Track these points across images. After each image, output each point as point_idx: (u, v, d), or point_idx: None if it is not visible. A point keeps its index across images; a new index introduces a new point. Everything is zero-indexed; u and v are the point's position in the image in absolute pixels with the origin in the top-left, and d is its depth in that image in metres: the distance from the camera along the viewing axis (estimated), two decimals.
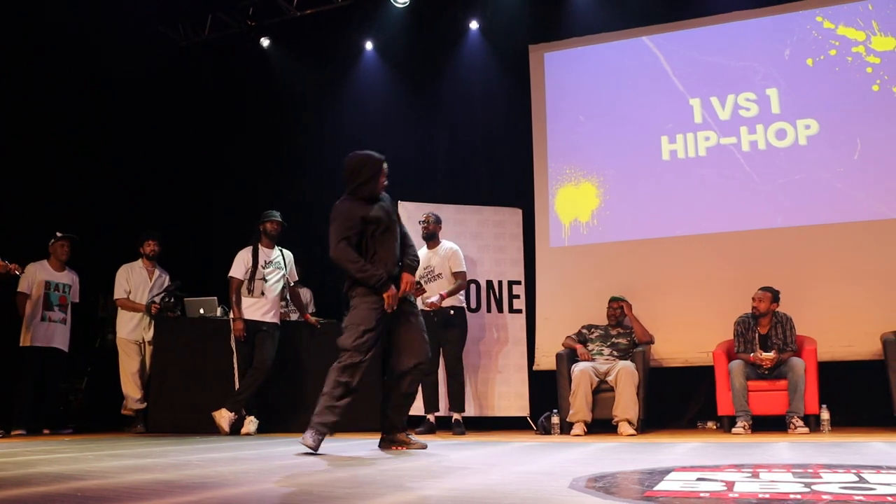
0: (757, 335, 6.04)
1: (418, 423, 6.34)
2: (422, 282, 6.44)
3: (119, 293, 6.94)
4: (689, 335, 6.75)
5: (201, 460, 3.45)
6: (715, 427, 6.39)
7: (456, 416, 6.32)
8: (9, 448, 4.43)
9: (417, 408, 6.49)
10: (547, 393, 6.59)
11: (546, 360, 7.00)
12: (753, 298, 6.08)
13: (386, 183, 4.37)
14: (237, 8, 8.51)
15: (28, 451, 4.07)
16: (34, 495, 2.17)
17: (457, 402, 6.35)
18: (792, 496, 2.08)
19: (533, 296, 7.35)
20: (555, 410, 6.19)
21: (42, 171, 7.25)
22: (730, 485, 2.34)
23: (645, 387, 6.05)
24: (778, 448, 4.09)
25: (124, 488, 2.33)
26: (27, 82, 7.22)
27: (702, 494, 2.17)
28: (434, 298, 6.24)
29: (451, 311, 6.33)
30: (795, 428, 5.56)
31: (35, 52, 7.18)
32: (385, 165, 4.34)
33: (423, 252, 6.59)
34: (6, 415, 6.05)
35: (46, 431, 6.45)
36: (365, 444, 4.67)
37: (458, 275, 6.43)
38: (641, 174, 7.32)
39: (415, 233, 6.97)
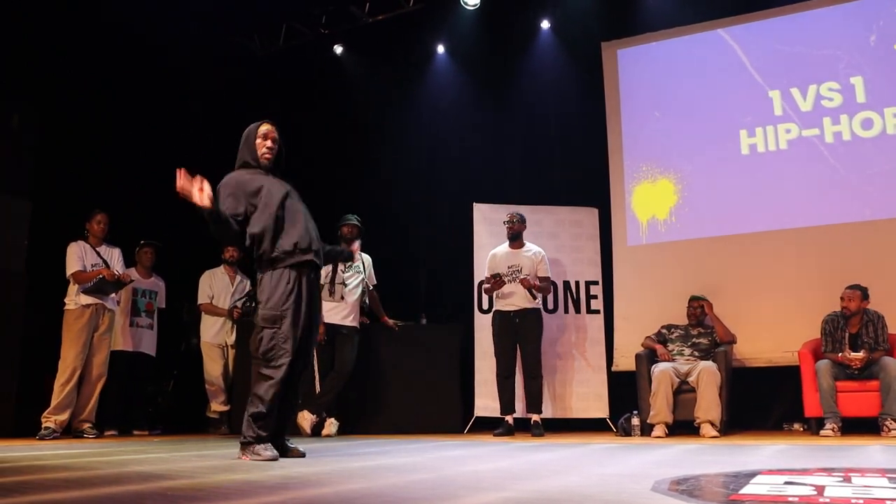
0: (847, 335, 5.82)
1: (496, 425, 6.33)
2: (505, 279, 6.43)
3: (202, 298, 7.17)
4: (772, 334, 6.55)
5: (284, 461, 3.52)
6: (802, 429, 6.20)
7: (534, 417, 6.27)
8: (102, 448, 4.60)
9: (495, 409, 6.49)
10: (626, 394, 6.49)
11: (625, 361, 6.91)
12: (842, 298, 5.86)
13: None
14: (311, 17, 8.65)
15: (119, 451, 4.22)
16: (127, 493, 2.25)
17: (535, 403, 6.32)
18: (888, 502, 1.99)
19: (611, 296, 7.27)
20: (635, 412, 6.10)
21: (128, 180, 7.52)
22: (820, 489, 2.26)
23: (727, 387, 5.90)
24: (870, 451, 3.94)
25: (211, 488, 2.40)
26: (108, 91, 7.53)
27: (790, 498, 2.09)
28: (527, 275, 6.35)
29: (517, 318, 6.38)
30: (889, 431, 5.33)
31: (115, 63, 7.49)
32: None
33: (503, 251, 6.58)
34: (99, 416, 6.30)
35: (136, 432, 6.69)
36: (445, 446, 4.68)
37: (544, 279, 6.43)
38: (720, 169, 7.15)
39: (491, 233, 7.01)
